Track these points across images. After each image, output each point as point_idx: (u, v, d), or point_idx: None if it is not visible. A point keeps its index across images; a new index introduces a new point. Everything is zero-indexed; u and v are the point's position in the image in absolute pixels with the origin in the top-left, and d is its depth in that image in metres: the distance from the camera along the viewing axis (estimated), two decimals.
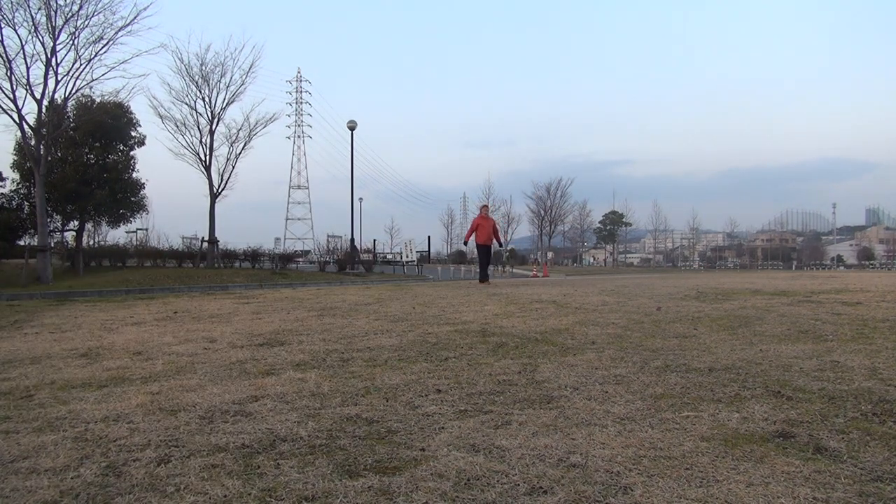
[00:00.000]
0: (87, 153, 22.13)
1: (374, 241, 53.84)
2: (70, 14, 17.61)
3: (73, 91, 18.96)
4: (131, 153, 23.50)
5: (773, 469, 1.89)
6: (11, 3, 16.72)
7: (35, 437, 2.33)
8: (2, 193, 21.92)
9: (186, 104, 24.07)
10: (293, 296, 9.51)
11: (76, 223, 23.11)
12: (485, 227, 13.68)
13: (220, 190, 24.73)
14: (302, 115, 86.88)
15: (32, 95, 17.73)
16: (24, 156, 19.96)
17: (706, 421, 2.41)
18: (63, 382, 3.39)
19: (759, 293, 8.64)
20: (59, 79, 18.06)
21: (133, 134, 23.47)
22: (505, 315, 6.20)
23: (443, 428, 2.36)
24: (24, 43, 17.11)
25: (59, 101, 19.04)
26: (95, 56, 18.29)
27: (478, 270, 14.77)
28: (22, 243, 21.10)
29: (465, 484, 1.80)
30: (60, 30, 17.60)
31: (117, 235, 28.92)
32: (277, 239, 48.11)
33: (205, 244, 24.49)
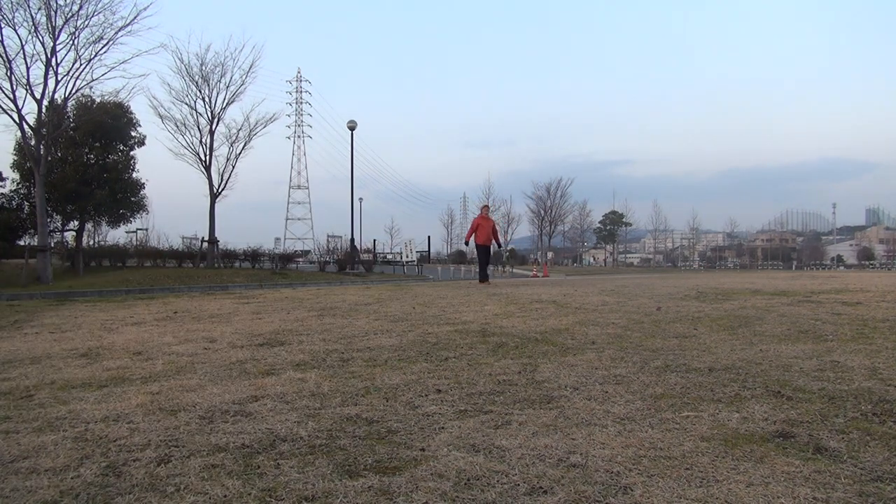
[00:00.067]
0: (87, 153, 22.13)
1: (374, 241, 53.87)
2: (70, 14, 17.61)
3: (73, 91, 18.97)
4: (131, 153, 23.51)
5: (773, 469, 1.89)
6: (11, 3, 16.73)
7: (35, 437, 2.33)
8: (2, 193, 21.93)
9: (186, 104, 24.08)
10: (293, 296, 9.51)
11: (76, 223, 23.11)
12: (485, 227, 13.69)
13: (220, 190, 24.74)
14: (302, 115, 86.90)
15: (32, 95, 17.74)
16: (24, 156, 19.96)
17: (706, 421, 2.41)
18: (63, 382, 3.39)
19: (759, 293, 8.64)
20: (59, 79, 18.07)
21: (133, 134, 23.48)
22: (505, 315, 6.20)
23: (443, 428, 2.36)
24: (24, 43, 17.12)
25: (59, 101, 19.05)
26: (95, 56, 18.30)
27: (478, 271, 14.76)
28: (22, 243, 21.11)
29: (465, 484, 1.80)
30: (60, 30, 17.60)
31: (117, 235, 28.95)
32: (277, 239, 48.12)
33: (205, 244, 24.49)
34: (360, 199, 67.95)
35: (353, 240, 29.28)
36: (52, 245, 20.85)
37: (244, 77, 24.79)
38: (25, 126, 17.97)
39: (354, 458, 2.02)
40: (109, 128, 21.93)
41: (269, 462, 2.00)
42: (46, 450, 2.16)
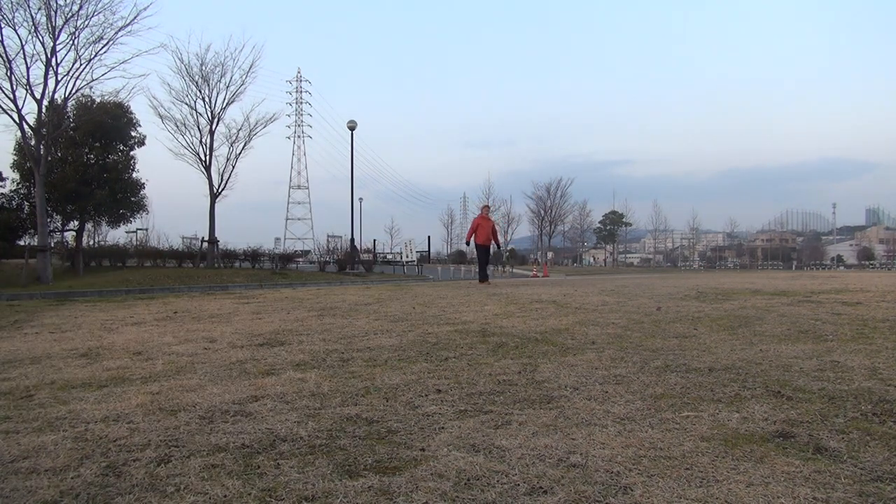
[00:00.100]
0: (87, 153, 22.14)
1: (374, 241, 53.86)
2: (70, 14, 17.61)
3: (73, 91, 18.97)
4: (131, 153, 23.51)
5: (773, 469, 1.89)
6: (11, 3, 16.73)
7: (35, 437, 2.33)
8: (2, 193, 21.93)
9: (186, 104, 24.08)
10: (293, 296, 9.51)
11: (76, 223, 23.11)
12: (485, 227, 13.70)
13: (220, 190, 24.74)
14: (302, 115, 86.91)
15: (32, 95, 17.74)
16: (24, 156, 19.96)
17: (706, 421, 2.41)
18: (63, 382, 3.39)
19: (759, 293, 8.64)
20: (59, 79, 18.07)
21: (133, 134, 23.48)
22: (505, 315, 6.20)
23: (443, 428, 2.36)
24: (24, 43, 17.12)
25: (59, 101, 19.05)
26: (95, 56, 18.30)
27: (478, 271, 14.75)
28: (22, 243, 21.10)
29: (465, 484, 1.80)
30: (60, 30, 17.60)
31: (117, 235, 28.95)
32: (277, 239, 48.12)
33: (205, 244, 24.49)
34: (360, 199, 68.03)
35: (353, 240, 29.28)
36: (52, 245, 20.85)
37: (244, 77, 24.81)
38: (25, 126, 17.97)
39: (354, 458, 2.02)
40: (109, 128, 21.93)
41: (269, 462, 2.00)
42: (46, 450, 2.16)
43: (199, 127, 24.21)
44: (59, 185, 20.56)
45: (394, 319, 5.91)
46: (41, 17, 17.24)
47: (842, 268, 73.86)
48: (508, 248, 60.54)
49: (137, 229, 31.02)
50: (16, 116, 17.50)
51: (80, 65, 18.14)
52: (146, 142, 24.06)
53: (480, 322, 5.62)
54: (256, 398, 2.87)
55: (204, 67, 23.98)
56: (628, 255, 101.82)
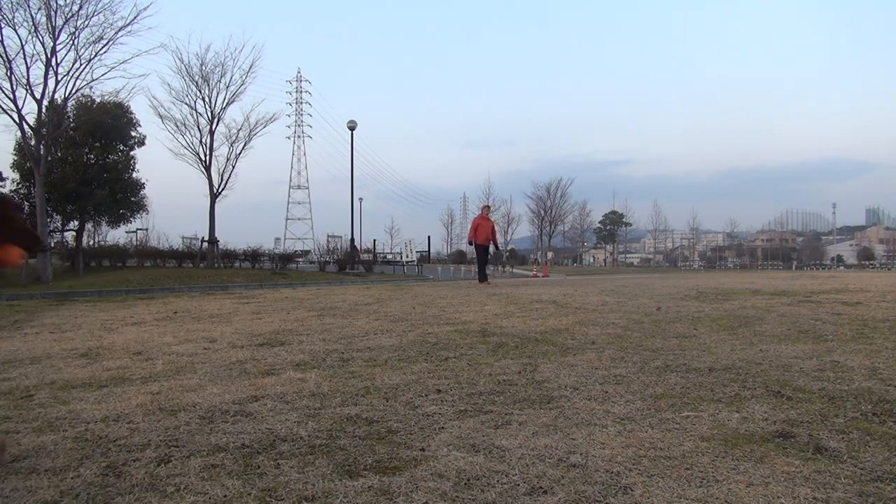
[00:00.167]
0: (87, 153, 22.15)
1: (374, 241, 53.88)
2: (70, 14, 17.63)
3: (73, 91, 18.98)
4: (131, 153, 23.53)
5: (773, 469, 1.89)
6: (11, 3, 16.74)
7: (35, 437, 2.33)
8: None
9: (186, 104, 24.10)
10: (293, 296, 9.51)
11: (76, 223, 23.12)
12: (485, 227, 13.73)
13: (220, 190, 24.75)
14: (302, 115, 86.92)
15: (32, 95, 17.75)
16: (24, 156, 19.96)
17: (706, 421, 2.41)
18: (63, 382, 3.39)
19: (759, 293, 8.64)
20: (59, 79, 18.08)
21: (133, 134, 23.49)
22: (505, 315, 6.20)
23: (443, 428, 2.36)
24: (24, 43, 17.13)
25: (59, 101, 19.06)
26: (95, 56, 18.31)
27: (477, 271, 14.75)
28: None
29: (465, 484, 1.80)
30: (60, 30, 17.61)
31: (117, 235, 28.95)
32: (277, 239, 48.13)
33: (205, 244, 24.49)
34: (360, 199, 68.00)
35: (353, 240, 29.28)
36: (52, 245, 20.85)
37: (244, 77, 24.84)
38: (25, 126, 17.98)
39: (354, 458, 2.02)
40: (109, 128, 21.94)
41: (269, 462, 2.00)
42: (46, 450, 2.16)
43: (199, 127, 24.25)
44: (59, 185, 20.57)
45: (394, 319, 5.91)
46: (41, 17, 17.27)
47: (842, 268, 73.88)
48: (508, 248, 60.56)
49: (137, 229, 31.06)
50: (16, 116, 17.52)
51: (80, 65, 18.16)
52: (146, 142, 24.09)
53: (480, 322, 5.62)
54: (256, 398, 2.87)
55: (204, 67, 24.02)
56: (628, 255, 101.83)
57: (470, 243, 14.06)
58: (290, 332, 5.13)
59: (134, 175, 23.43)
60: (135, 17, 18.43)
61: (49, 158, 19.32)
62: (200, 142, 24.29)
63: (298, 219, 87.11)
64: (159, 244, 28.48)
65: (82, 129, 21.34)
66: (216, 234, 24.48)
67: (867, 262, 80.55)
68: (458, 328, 5.20)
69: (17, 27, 17.04)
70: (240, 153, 25.18)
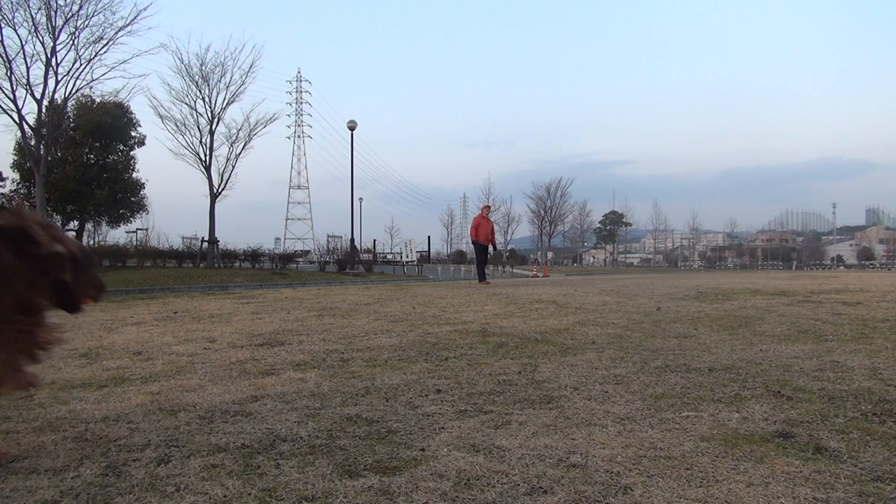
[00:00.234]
0: (87, 153, 22.17)
1: (374, 241, 53.94)
2: (70, 14, 17.65)
3: (73, 91, 19.00)
4: (131, 153, 23.56)
5: (773, 469, 1.89)
6: (11, 3, 16.75)
7: (35, 437, 2.33)
8: (2, 193, 21.93)
9: (186, 104, 24.08)
10: (293, 296, 9.51)
11: (76, 223, 23.13)
12: (485, 227, 13.78)
13: (220, 190, 24.75)
14: (302, 115, 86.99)
15: (32, 95, 17.77)
16: (24, 156, 19.97)
17: (706, 421, 2.41)
18: (63, 382, 3.39)
19: (759, 293, 8.64)
20: (59, 79, 18.10)
21: (133, 134, 23.51)
22: (505, 315, 6.20)
23: (443, 428, 2.36)
24: (24, 43, 17.15)
25: (59, 101, 19.06)
26: (95, 56, 18.34)
27: (476, 271, 14.74)
28: None
29: (465, 484, 1.80)
30: (60, 30, 17.63)
31: (117, 235, 28.93)
32: (277, 239, 48.06)
33: (205, 244, 24.50)
34: (360, 199, 67.93)
35: (353, 240, 29.28)
36: None
37: (244, 77, 24.85)
38: (25, 126, 17.99)
39: (354, 458, 2.02)
40: (109, 128, 21.96)
41: (269, 462, 2.00)
42: (46, 450, 2.16)
43: (199, 127, 24.24)
44: (59, 185, 20.58)
45: (394, 319, 5.91)
46: (41, 17, 17.28)
47: (842, 268, 73.87)
48: (508, 249, 60.57)
49: (137, 229, 31.02)
50: (16, 116, 17.53)
51: (80, 65, 18.19)
52: (146, 142, 24.13)
53: (480, 322, 5.62)
54: (256, 398, 2.87)
55: (204, 67, 24.02)
56: (628, 255, 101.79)
57: (474, 241, 14.06)
58: (290, 332, 5.13)
59: (134, 175, 23.46)
60: (135, 17, 18.48)
61: (49, 158, 19.32)
62: (200, 142, 24.30)
63: (298, 219, 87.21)
64: (159, 244, 28.45)
65: (82, 129, 21.35)
66: (216, 234, 24.50)
67: (867, 262, 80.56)
68: (458, 328, 5.20)
69: (17, 27, 17.07)
70: (240, 153, 25.21)
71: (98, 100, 21.98)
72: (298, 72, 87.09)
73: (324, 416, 2.55)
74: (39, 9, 17.21)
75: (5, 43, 16.88)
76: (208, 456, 2.06)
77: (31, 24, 17.13)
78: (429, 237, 65.66)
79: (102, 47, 18.26)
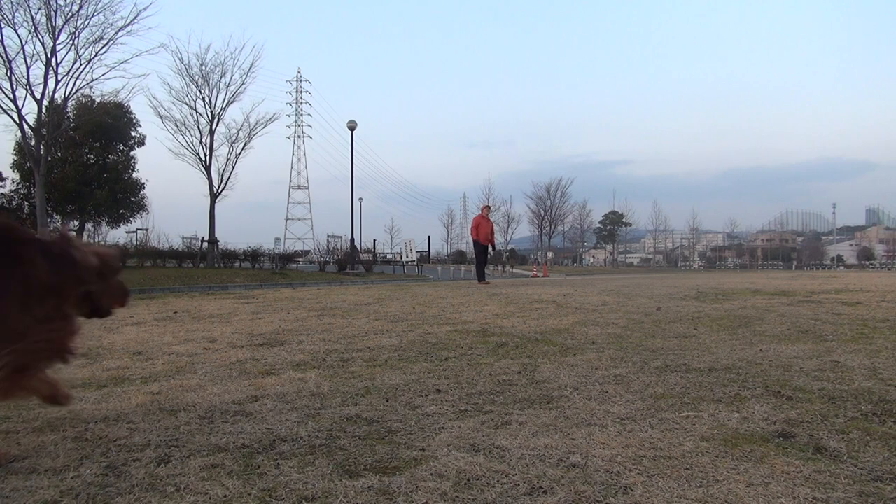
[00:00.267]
0: (87, 153, 22.17)
1: (374, 241, 53.96)
2: (70, 14, 17.65)
3: (73, 91, 19.00)
4: (131, 153, 23.56)
5: (773, 469, 1.89)
6: (11, 3, 16.75)
7: (35, 437, 2.33)
8: (2, 193, 21.94)
9: (186, 104, 24.10)
10: (293, 296, 9.51)
11: (76, 223, 23.12)
12: (485, 226, 13.81)
13: (220, 190, 24.76)
14: (302, 115, 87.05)
15: (32, 95, 17.76)
16: (24, 156, 19.97)
17: (706, 421, 2.41)
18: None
19: (759, 293, 8.64)
20: (59, 79, 18.10)
21: (133, 134, 23.52)
22: (505, 315, 6.20)
23: (443, 428, 2.36)
24: (24, 43, 17.15)
25: (59, 101, 19.06)
26: (95, 56, 18.34)
27: (476, 270, 14.74)
28: None
29: (465, 484, 1.80)
30: (60, 30, 17.63)
31: (117, 235, 28.90)
32: (277, 239, 48.07)
33: (205, 244, 24.50)
34: (360, 199, 67.95)
35: (353, 240, 29.29)
36: None
37: (244, 77, 24.87)
38: (25, 126, 17.98)
39: (354, 458, 2.02)
40: (109, 128, 21.97)
41: (269, 462, 2.00)
42: (46, 450, 2.16)
43: (199, 127, 24.25)
44: (59, 185, 20.58)
45: (394, 319, 5.91)
46: (41, 17, 17.29)
47: (842, 268, 73.88)
48: (508, 249, 60.57)
49: (137, 229, 31.00)
50: (16, 116, 17.53)
51: (80, 65, 18.19)
52: (146, 142, 24.13)
53: (480, 322, 5.62)
54: (256, 398, 2.87)
55: (204, 67, 24.03)
56: (628, 255, 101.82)
57: (475, 241, 14.05)
58: (290, 332, 5.13)
59: (134, 175, 23.46)
60: (135, 17, 18.49)
61: (49, 158, 19.32)
62: (200, 142, 24.31)
63: (298, 219, 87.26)
64: (159, 244, 28.39)
65: (82, 129, 21.35)
66: (216, 234, 24.51)
67: (867, 262, 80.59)
68: (458, 328, 5.20)
69: (17, 27, 17.07)
70: (240, 153, 25.23)
71: (98, 100, 22.00)
72: (298, 72, 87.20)
73: (324, 416, 2.55)
74: (39, 9, 17.23)
75: (5, 43, 16.90)
76: (208, 456, 2.06)
77: (31, 24, 17.15)
78: (429, 237, 65.72)
79: (102, 47, 18.28)
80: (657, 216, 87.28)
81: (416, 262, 36.49)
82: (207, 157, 24.26)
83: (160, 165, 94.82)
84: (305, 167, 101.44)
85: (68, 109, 20.75)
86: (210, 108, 24.22)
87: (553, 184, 65.51)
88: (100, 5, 17.96)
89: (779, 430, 2.26)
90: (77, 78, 18.28)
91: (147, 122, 66.84)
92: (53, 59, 17.66)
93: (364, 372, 3.48)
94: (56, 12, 17.42)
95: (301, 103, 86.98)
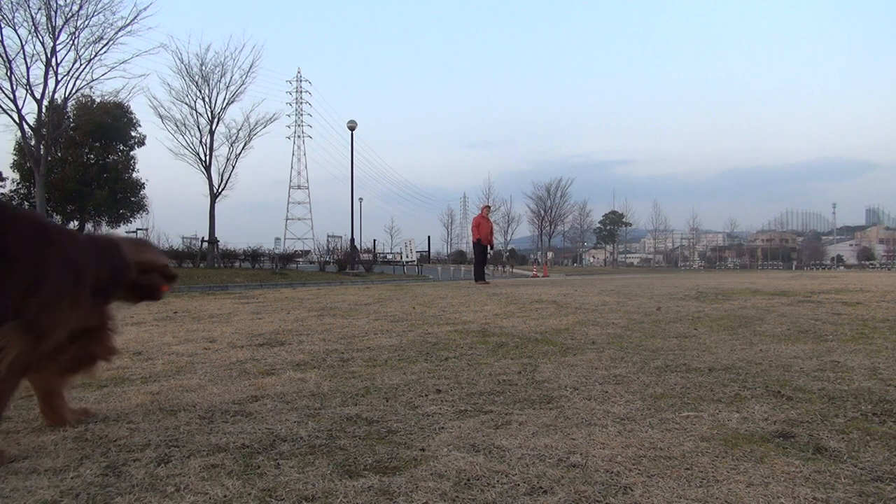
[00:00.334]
0: (87, 153, 22.18)
1: (374, 241, 53.96)
2: (70, 14, 17.66)
3: (73, 91, 19.01)
4: (131, 153, 23.57)
5: (773, 469, 1.89)
6: (11, 3, 16.75)
7: (35, 437, 2.33)
8: (2, 193, 21.93)
9: (186, 104, 24.07)
10: (293, 296, 9.51)
11: (76, 223, 23.12)
12: (485, 226, 13.83)
13: (220, 190, 24.74)
14: (302, 115, 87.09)
15: (32, 95, 17.77)
16: (24, 156, 19.98)
17: (706, 421, 2.41)
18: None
19: (759, 293, 8.64)
20: (59, 79, 18.11)
21: (133, 134, 23.52)
22: (505, 315, 6.20)
23: (443, 428, 2.36)
24: (24, 43, 17.16)
25: (59, 101, 19.06)
26: (95, 56, 18.35)
27: (475, 270, 14.74)
28: None
29: (465, 484, 1.80)
30: (60, 30, 17.63)
31: None
32: (277, 239, 48.08)
33: (205, 244, 24.49)
34: (360, 199, 67.95)
35: (353, 240, 29.29)
36: None
37: (244, 77, 24.84)
38: (25, 126, 17.98)
39: (354, 458, 2.02)
40: (109, 128, 21.98)
41: (269, 462, 2.00)
42: (46, 450, 2.16)
43: (199, 127, 24.23)
44: (59, 185, 20.59)
45: (394, 319, 5.91)
46: (41, 17, 17.29)
47: (842, 268, 73.89)
48: (508, 248, 60.57)
49: (137, 229, 31.00)
50: (16, 116, 17.53)
51: (80, 65, 18.20)
52: (146, 142, 24.13)
53: (480, 322, 5.62)
54: (256, 398, 2.87)
55: (204, 67, 24.00)
56: (628, 256, 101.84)
57: (477, 240, 14.01)
58: (290, 332, 5.13)
59: (134, 175, 23.47)
60: (135, 17, 18.51)
61: (49, 158, 19.32)
62: (200, 142, 24.29)
63: (298, 219, 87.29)
64: (159, 244, 28.41)
65: (82, 129, 21.36)
66: (216, 234, 24.50)
67: (867, 262, 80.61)
68: (458, 328, 5.20)
69: (17, 27, 17.07)
70: (240, 153, 25.20)
71: (98, 100, 22.01)
72: (298, 72, 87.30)
73: (324, 416, 2.55)
74: (39, 9, 17.23)
75: (5, 43, 16.91)
76: (208, 456, 2.06)
77: (31, 24, 17.16)
78: (429, 237, 65.74)
79: (102, 47, 18.30)
80: (657, 216, 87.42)
81: (416, 262, 36.49)
82: (207, 157, 24.25)
83: (160, 165, 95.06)
84: (305, 167, 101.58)
85: (68, 109, 20.76)
86: (210, 108, 24.21)
87: (553, 184, 65.63)
88: (100, 5, 17.99)
89: (779, 430, 2.26)
90: (77, 78, 18.31)
91: (147, 122, 66.76)
92: (53, 59, 17.68)
93: (364, 372, 3.48)
94: (56, 12, 17.44)
95: (301, 103, 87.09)
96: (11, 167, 21.69)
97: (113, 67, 19.73)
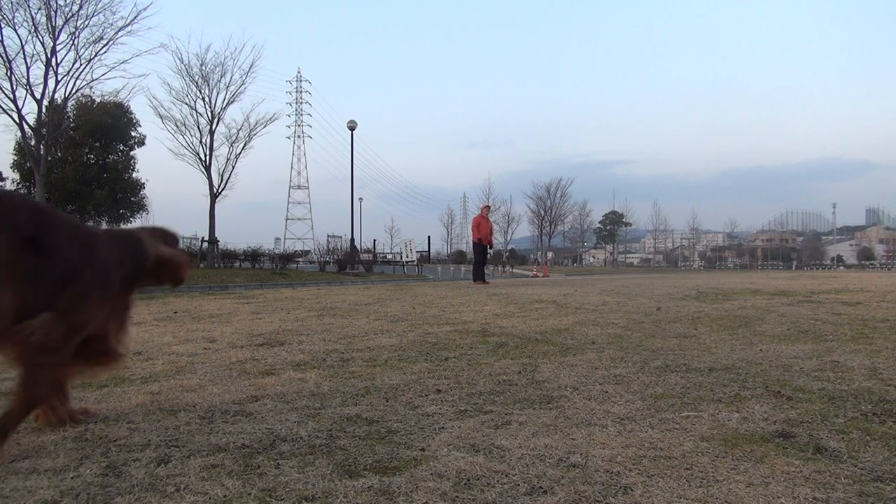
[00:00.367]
0: (87, 153, 22.18)
1: (374, 241, 53.96)
2: (70, 14, 17.65)
3: (73, 91, 18.99)
4: (131, 153, 23.56)
5: (773, 469, 1.89)
6: (11, 3, 16.75)
7: (35, 437, 2.33)
8: None
9: (186, 104, 24.04)
10: (293, 296, 9.51)
11: None
12: (485, 226, 13.84)
13: (220, 190, 24.73)
14: (302, 115, 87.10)
15: (32, 95, 17.76)
16: (24, 156, 19.98)
17: (706, 421, 2.41)
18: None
19: (759, 293, 8.64)
20: (59, 79, 18.10)
21: (133, 134, 23.52)
22: (505, 315, 6.20)
23: (443, 428, 2.36)
24: (24, 43, 17.16)
25: (59, 101, 19.05)
26: (95, 56, 18.34)
27: (474, 270, 14.73)
28: None
29: (465, 484, 1.80)
30: (60, 30, 17.63)
31: None
32: (277, 239, 48.15)
33: (205, 244, 24.49)
34: (360, 199, 67.93)
35: (353, 240, 29.29)
36: None
37: (244, 77, 24.81)
38: (25, 126, 17.97)
39: (354, 458, 2.02)
40: (109, 128, 21.97)
41: (269, 462, 2.00)
42: (46, 450, 2.16)
43: (199, 127, 24.20)
44: (59, 185, 20.59)
45: (394, 319, 5.91)
46: (41, 17, 17.29)
47: (842, 268, 73.90)
48: (508, 249, 60.59)
49: None
50: (16, 116, 17.52)
51: (80, 65, 18.19)
52: (146, 142, 24.11)
53: (480, 322, 5.62)
54: (256, 398, 2.87)
55: (204, 67, 23.97)
56: (628, 256, 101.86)
57: (478, 241, 13.97)
58: (290, 332, 5.13)
59: (134, 175, 23.47)
60: (135, 17, 18.50)
61: (49, 158, 19.31)
62: (200, 142, 24.26)
63: (298, 219, 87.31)
64: None
65: (82, 129, 21.36)
66: (216, 234, 24.49)
67: (867, 262, 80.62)
68: (458, 328, 5.20)
69: (17, 27, 17.07)
70: (240, 153, 25.18)
71: (98, 100, 22.01)
72: (298, 72, 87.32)
73: (324, 416, 2.55)
74: (39, 9, 17.23)
75: (5, 43, 16.91)
76: (208, 456, 2.06)
77: (31, 24, 17.16)
78: (429, 237, 65.76)
79: (102, 47, 18.29)
80: (657, 216, 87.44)
81: (416, 262, 36.49)
82: (207, 157, 24.23)
83: (160, 165, 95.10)
84: (305, 167, 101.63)
85: (68, 109, 20.76)
86: (210, 108, 24.18)
87: (553, 184, 65.64)
88: (100, 5, 17.99)
89: (779, 430, 2.26)
90: (77, 78, 18.30)
91: (147, 122, 66.63)
92: (53, 59, 17.67)
93: (364, 372, 3.48)
94: (56, 12, 17.44)
95: (301, 103, 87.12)
96: (11, 167, 21.72)
97: (113, 67, 19.74)
